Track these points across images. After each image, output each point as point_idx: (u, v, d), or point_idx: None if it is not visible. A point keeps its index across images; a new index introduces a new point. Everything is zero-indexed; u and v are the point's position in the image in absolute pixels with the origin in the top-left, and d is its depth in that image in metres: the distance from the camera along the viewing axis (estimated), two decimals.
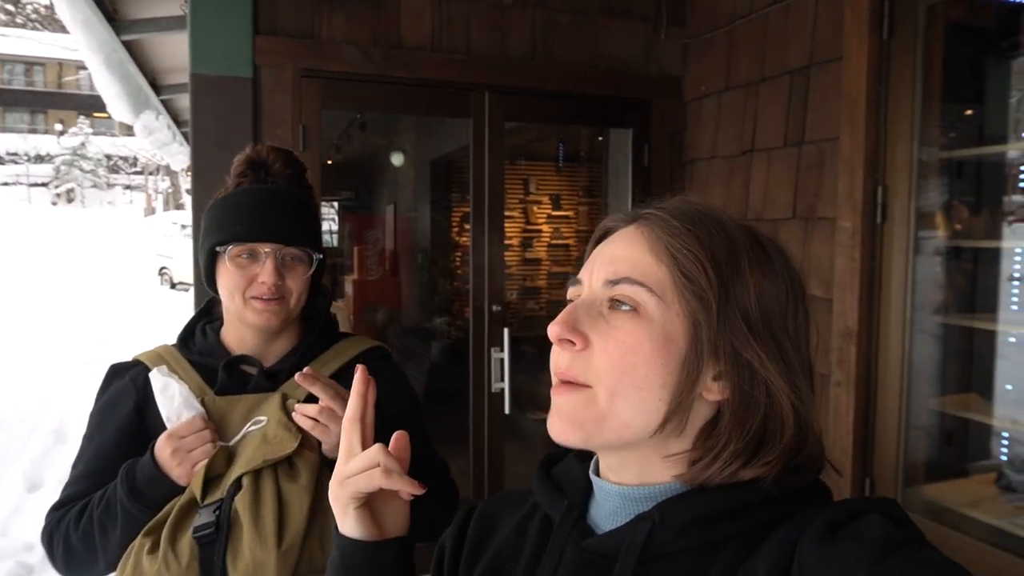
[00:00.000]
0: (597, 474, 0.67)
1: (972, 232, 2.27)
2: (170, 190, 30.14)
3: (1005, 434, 2.22)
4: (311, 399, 1.11)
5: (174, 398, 1.09)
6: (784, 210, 2.45)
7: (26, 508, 3.64)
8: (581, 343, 0.61)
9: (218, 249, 1.15)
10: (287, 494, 1.06)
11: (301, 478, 1.07)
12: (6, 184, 30.39)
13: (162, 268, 14.95)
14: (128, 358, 1.25)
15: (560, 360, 0.62)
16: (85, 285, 13.94)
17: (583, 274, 0.66)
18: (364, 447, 0.74)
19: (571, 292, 0.67)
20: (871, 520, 0.54)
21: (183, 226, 15.59)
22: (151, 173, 30.49)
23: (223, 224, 1.15)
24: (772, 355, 0.60)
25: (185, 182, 29.26)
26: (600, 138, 5.08)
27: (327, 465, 1.09)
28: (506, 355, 2.74)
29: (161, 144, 6.63)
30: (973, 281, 2.22)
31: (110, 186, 32.45)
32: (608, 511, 0.65)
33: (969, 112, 2.45)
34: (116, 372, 1.23)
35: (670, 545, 0.59)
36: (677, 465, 0.62)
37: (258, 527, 1.02)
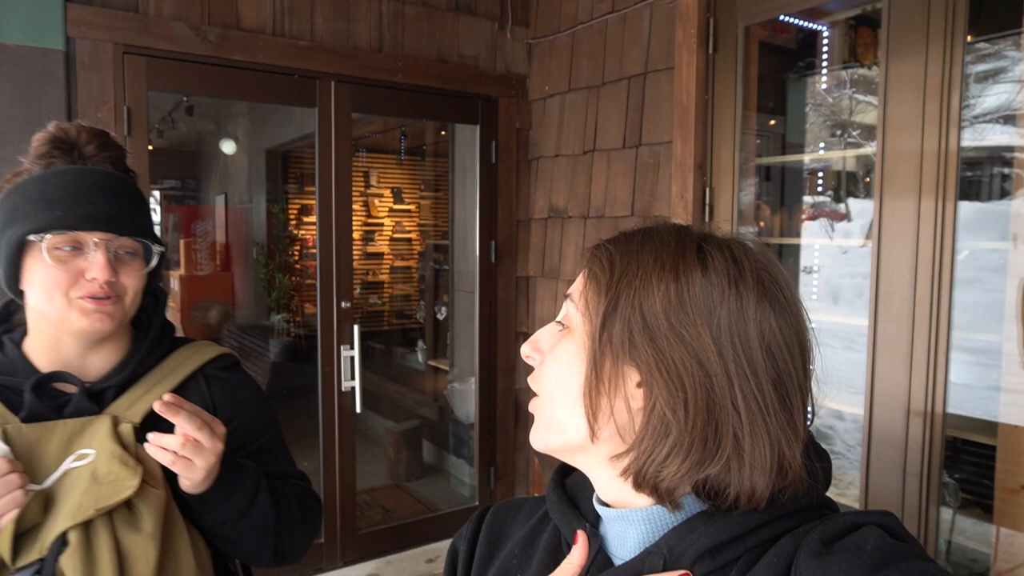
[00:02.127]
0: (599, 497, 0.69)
1: (777, 229, 2.55)
2: None
3: (810, 409, 2.52)
4: (150, 422, 0.96)
5: None
6: (623, 208, 2.60)
7: None
8: (540, 357, 0.68)
9: (31, 239, 0.94)
10: (128, 547, 0.89)
11: (145, 524, 0.91)
12: None
13: None
14: None
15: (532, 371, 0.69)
16: None
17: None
18: None
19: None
20: (868, 533, 0.54)
21: None
22: None
23: (35, 210, 0.94)
24: (677, 360, 0.58)
25: None
26: (443, 132, 5.10)
27: (182, 501, 0.97)
28: (356, 353, 2.68)
29: None
30: (793, 274, 2.49)
31: None
32: (614, 533, 0.66)
33: (774, 122, 2.75)
34: None
35: None
36: (618, 470, 0.63)
37: None
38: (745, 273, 0.61)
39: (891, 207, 1.84)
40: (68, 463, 0.92)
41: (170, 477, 0.96)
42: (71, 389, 0.99)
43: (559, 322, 0.67)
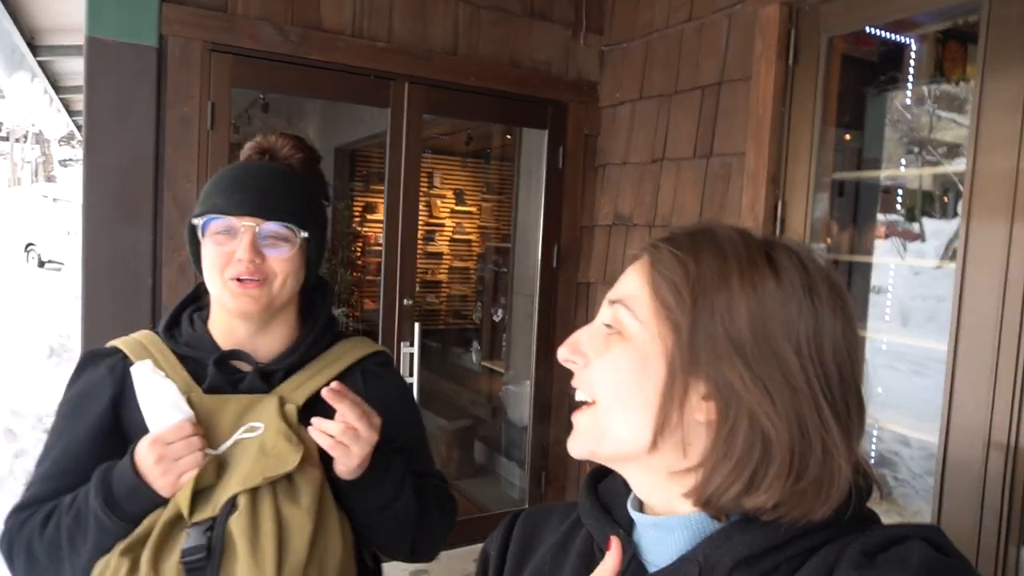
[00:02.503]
0: (638, 505, 0.68)
1: (847, 246, 2.47)
2: (40, 160, 27.72)
3: (875, 433, 2.43)
4: (311, 405, 1.03)
5: (160, 398, 0.96)
6: (691, 218, 2.57)
7: None
8: (583, 361, 0.65)
9: (195, 222, 1.04)
10: (288, 517, 0.96)
11: (303, 499, 0.97)
12: None
13: (28, 244, 13.74)
14: (106, 344, 1.10)
15: (575, 375, 0.66)
16: None
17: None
18: None
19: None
20: (912, 546, 0.52)
21: (55, 199, 14.39)
22: (18, 140, 27.94)
23: (205, 198, 1.05)
24: (764, 376, 0.57)
25: (59, 152, 27.02)
26: (508, 136, 5.13)
27: (334, 484, 1.03)
28: (416, 350, 2.72)
29: (35, 110, 6.11)
30: (863, 294, 2.41)
31: None
32: (648, 539, 0.65)
33: (849, 137, 2.67)
34: (90, 359, 1.09)
35: None
36: (683, 487, 0.61)
37: (255, 555, 0.92)
38: (816, 281, 0.60)
39: (979, 228, 1.76)
40: (240, 433, 0.99)
41: (325, 461, 1.01)
42: (245, 367, 1.07)
43: (607, 325, 0.64)
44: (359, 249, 6.35)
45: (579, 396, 0.66)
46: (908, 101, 2.84)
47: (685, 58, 2.62)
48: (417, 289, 2.79)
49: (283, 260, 1.04)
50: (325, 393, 0.97)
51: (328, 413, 0.98)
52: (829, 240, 2.42)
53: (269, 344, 1.09)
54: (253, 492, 0.95)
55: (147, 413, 0.97)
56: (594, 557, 0.69)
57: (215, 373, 1.04)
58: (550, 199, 3.04)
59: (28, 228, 13.95)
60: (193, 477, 0.94)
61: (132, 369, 1.00)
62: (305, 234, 1.05)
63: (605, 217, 3.00)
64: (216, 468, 0.97)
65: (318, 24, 2.52)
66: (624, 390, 0.62)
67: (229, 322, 1.08)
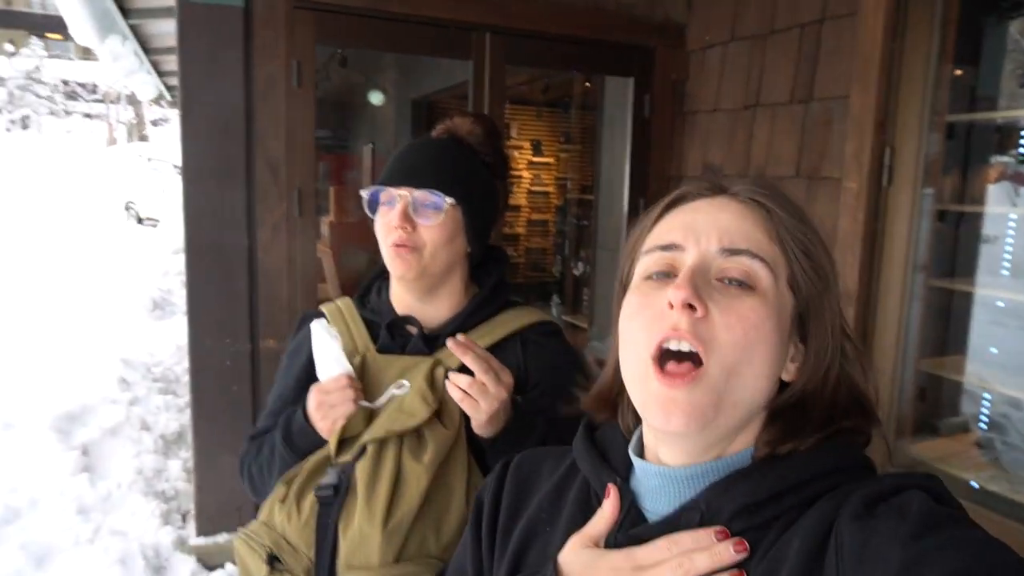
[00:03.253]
0: (637, 451, 0.67)
1: (975, 196, 2.29)
2: (134, 120, 29.01)
3: (985, 396, 2.29)
4: (467, 368, 1.07)
5: (327, 353, 1.09)
6: (787, 168, 2.44)
7: (2, 448, 3.58)
8: (702, 311, 0.58)
9: (362, 195, 1.13)
10: (406, 471, 1.02)
11: (425, 456, 1.03)
12: None
13: (128, 203, 14.49)
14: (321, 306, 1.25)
15: (682, 322, 0.57)
16: (48, 217, 13.49)
17: (681, 237, 0.62)
18: None
19: (663, 259, 0.62)
20: (911, 496, 0.52)
21: (149, 159, 15.06)
22: (112, 102, 29.28)
23: (381, 174, 1.14)
24: (848, 338, 0.63)
25: (150, 113, 28.18)
26: (588, 84, 4.98)
27: (472, 441, 1.07)
28: None
29: (127, 72, 6.32)
30: (974, 245, 2.24)
31: (68, 114, 31.09)
32: (649, 488, 0.64)
33: (960, 72, 2.45)
34: (303, 319, 1.23)
35: None
36: (750, 440, 0.62)
37: (370, 499, 0.99)
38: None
39: None
40: (391, 390, 1.08)
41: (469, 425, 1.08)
42: (414, 331, 1.16)
43: (736, 280, 0.59)
44: None
45: (678, 346, 0.58)
46: None
47: None
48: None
49: (432, 228, 1.09)
50: (449, 343, 1.04)
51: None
52: (963, 190, 2.25)
53: (436, 311, 1.16)
54: (381, 442, 1.03)
55: (317, 365, 1.10)
56: (591, 504, 0.67)
57: (386, 335, 1.14)
58: (636, 149, 2.94)
59: (126, 187, 14.70)
60: (342, 424, 1.05)
61: (311, 326, 1.11)
62: (451, 200, 1.08)
63: (694, 167, 2.89)
64: (366, 419, 1.06)
65: None
66: (756, 350, 0.58)
67: (399, 289, 1.16)
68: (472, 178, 1.13)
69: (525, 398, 1.11)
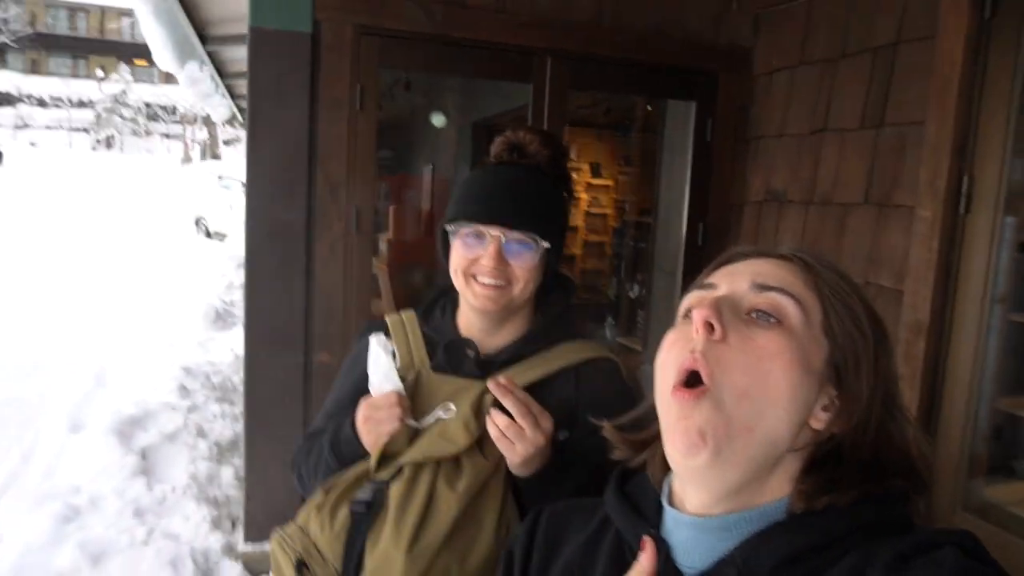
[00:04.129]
0: (669, 499, 0.66)
1: None
2: (208, 140, 30.32)
3: None
4: (527, 392, 1.06)
5: (379, 368, 1.10)
6: (856, 195, 2.35)
7: (70, 449, 3.71)
8: (720, 333, 0.59)
9: (448, 228, 1.12)
10: (439, 497, 1.00)
11: (460, 484, 1.01)
12: (49, 128, 30.79)
13: (199, 217, 15.09)
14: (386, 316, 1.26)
15: (698, 343, 0.59)
16: (124, 230, 14.15)
17: (718, 279, 0.65)
18: None
19: (698, 296, 0.64)
20: (946, 553, 0.51)
21: (220, 177, 15.68)
22: (189, 123, 30.67)
23: (458, 201, 1.12)
24: (894, 391, 0.62)
25: (223, 133, 29.38)
26: (649, 107, 4.94)
27: (510, 479, 1.05)
28: None
29: (203, 95, 6.61)
30: None
31: (148, 134, 32.71)
32: (682, 539, 0.63)
33: None
34: (367, 329, 1.23)
35: None
36: (782, 489, 0.61)
37: (399, 522, 0.99)
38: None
39: None
40: (437, 412, 1.07)
41: None
42: (471, 354, 1.15)
43: (763, 312, 0.60)
44: None
45: (696, 366, 0.58)
46: None
47: (855, 18, 2.38)
48: None
49: (525, 268, 1.09)
50: (490, 384, 1.02)
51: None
52: (1017, 216, 2.12)
53: (500, 337, 1.16)
54: (418, 465, 1.02)
55: (371, 379, 1.11)
56: (624, 557, 0.66)
57: (443, 355, 1.14)
58: (697, 173, 2.89)
59: (198, 202, 15.32)
60: (386, 440, 1.04)
61: (370, 339, 1.13)
62: (547, 244, 1.10)
63: (756, 193, 2.82)
64: (411, 437, 1.06)
65: (462, 1, 2.51)
66: (771, 378, 0.57)
67: (469, 313, 1.16)
68: (558, 214, 1.14)
69: (572, 436, 1.08)
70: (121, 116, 31.27)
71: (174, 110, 32.11)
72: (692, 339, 0.60)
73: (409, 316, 1.22)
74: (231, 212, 13.58)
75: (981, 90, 1.98)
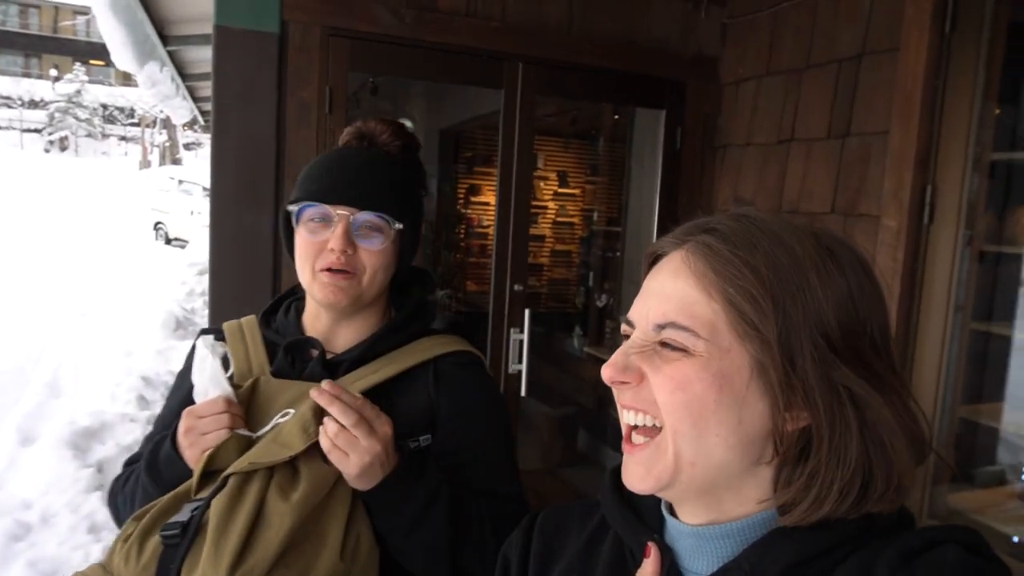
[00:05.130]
0: (670, 509, 0.66)
1: (1015, 237, 2.21)
2: (167, 144, 29.70)
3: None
4: (374, 395, 0.97)
5: (206, 373, 0.98)
6: (822, 204, 2.38)
7: (20, 462, 3.57)
8: (635, 380, 0.59)
9: (290, 208, 1.03)
10: (269, 510, 0.88)
11: (295, 494, 0.89)
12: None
13: (157, 223, 14.75)
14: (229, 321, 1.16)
15: (624, 396, 0.61)
16: (78, 235, 13.75)
17: (634, 312, 0.63)
18: None
19: (624, 330, 0.65)
20: (949, 550, 0.51)
21: (180, 181, 15.36)
22: (148, 126, 30.02)
23: (300, 184, 1.03)
24: (859, 371, 0.55)
25: (184, 137, 28.83)
26: (616, 116, 4.98)
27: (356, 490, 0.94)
28: (525, 336, 2.68)
29: (163, 97, 6.47)
30: (1014, 287, 2.16)
31: (105, 136, 31.91)
32: (685, 547, 0.62)
33: (1002, 112, 2.39)
34: (198, 338, 1.11)
35: None
36: (764, 500, 0.59)
37: (219, 541, 0.85)
38: (869, 270, 0.59)
39: None
40: (276, 419, 0.96)
41: None
42: (315, 355, 1.04)
43: (671, 343, 0.58)
44: (463, 231, 6.40)
45: (631, 420, 0.60)
46: None
47: (820, 29, 2.42)
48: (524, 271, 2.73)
49: (375, 252, 1.01)
50: (312, 392, 0.92)
51: (391, 416, 0.95)
52: (1005, 230, 2.18)
53: (349, 334, 1.06)
54: (247, 476, 0.90)
55: (195, 386, 0.99)
56: (625, 563, 0.66)
57: (283, 359, 1.04)
58: (666, 182, 2.90)
59: (156, 207, 14.98)
60: (211, 452, 0.92)
61: (196, 343, 1.01)
62: (400, 225, 1.02)
63: (724, 202, 2.85)
64: (242, 449, 0.94)
65: (432, 5, 2.49)
66: (692, 409, 0.56)
67: (316, 310, 1.07)
68: (411, 198, 1.07)
69: (435, 440, 1.00)
70: (76, 117, 30.45)
71: (132, 112, 31.39)
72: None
73: (249, 321, 1.12)
74: (192, 217, 13.31)
75: (943, 103, 2.03)
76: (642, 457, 0.59)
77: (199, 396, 0.98)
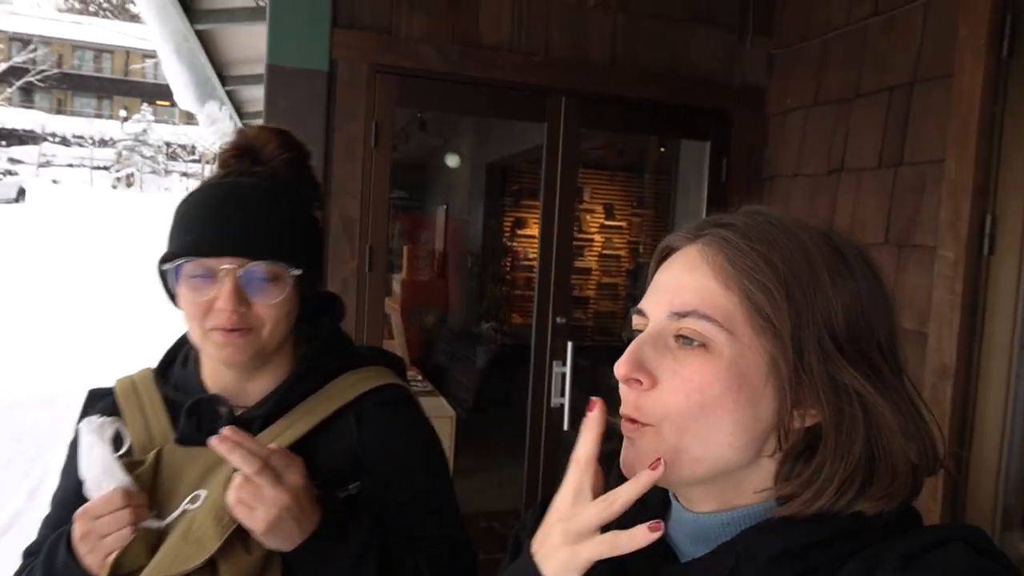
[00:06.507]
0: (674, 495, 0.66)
1: None
2: None
3: None
4: (299, 449, 0.87)
5: (95, 462, 0.84)
6: (875, 235, 2.31)
7: None
8: (648, 382, 0.58)
9: (165, 267, 0.89)
10: None
11: None
12: (71, 165, 31.46)
13: None
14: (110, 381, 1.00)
15: (627, 399, 0.60)
16: (142, 266, 14.29)
17: (646, 303, 0.63)
18: (595, 496, 0.60)
19: (636, 322, 0.64)
20: (954, 550, 0.50)
21: None
22: (208, 162, 31.24)
23: (174, 234, 0.89)
24: (864, 372, 0.55)
25: None
26: (663, 148, 4.96)
27: (279, 562, 0.84)
28: (568, 369, 2.65)
29: (222, 134, 6.73)
30: None
31: (168, 172, 33.34)
32: (686, 533, 0.62)
33: None
34: (90, 401, 0.98)
35: None
36: (764, 490, 0.59)
37: None
38: (878, 273, 0.59)
39: None
40: (184, 504, 0.84)
41: None
42: (224, 413, 0.92)
43: (689, 335, 0.57)
44: (508, 264, 6.43)
45: (634, 417, 0.60)
46: None
47: (869, 57, 2.37)
48: (568, 304, 2.72)
49: (274, 306, 0.88)
50: (211, 441, 0.80)
51: (314, 467, 0.85)
52: None
53: (258, 385, 0.94)
54: None
55: (85, 480, 0.85)
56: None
57: (186, 422, 0.90)
58: (712, 213, 2.86)
59: None
60: (112, 560, 0.80)
61: (79, 427, 0.87)
62: (297, 271, 0.90)
63: None
64: (149, 547, 0.81)
65: (476, 40, 2.53)
66: (707, 411, 0.56)
67: (215, 366, 0.93)
68: (309, 233, 0.94)
69: (363, 488, 0.92)
70: (141, 155, 31.92)
71: (193, 149, 32.76)
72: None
73: (144, 377, 0.97)
74: None
75: (1001, 129, 1.95)
76: (639, 450, 0.59)
77: (92, 491, 0.84)
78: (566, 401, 2.65)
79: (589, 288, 6.39)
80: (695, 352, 0.57)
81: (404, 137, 5.86)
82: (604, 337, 6.01)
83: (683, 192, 3.35)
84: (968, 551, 0.50)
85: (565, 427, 2.68)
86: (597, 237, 6.47)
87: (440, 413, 3.07)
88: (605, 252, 6.49)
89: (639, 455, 0.59)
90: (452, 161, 6.47)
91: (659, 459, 0.56)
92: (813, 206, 2.58)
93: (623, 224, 6.51)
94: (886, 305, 0.59)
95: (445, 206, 6.52)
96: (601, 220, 6.48)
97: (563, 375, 2.64)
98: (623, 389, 0.61)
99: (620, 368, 0.59)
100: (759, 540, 0.56)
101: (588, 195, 6.41)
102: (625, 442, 0.61)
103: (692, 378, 0.56)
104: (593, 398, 0.61)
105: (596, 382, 5.34)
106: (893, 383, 0.57)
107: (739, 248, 0.58)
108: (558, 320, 2.66)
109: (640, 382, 0.58)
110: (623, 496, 0.56)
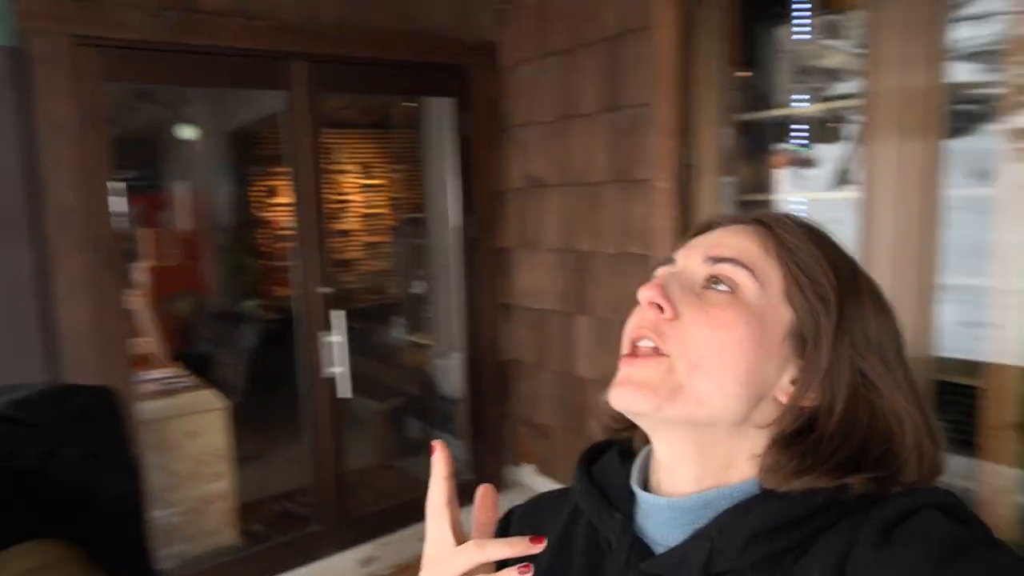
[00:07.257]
0: (642, 484, 0.65)
1: (768, 184, 2.53)
2: None
3: None
4: None
5: None
6: (604, 174, 2.58)
7: None
8: (671, 313, 0.58)
9: None
10: None
11: None
12: None
13: None
14: None
15: (646, 318, 0.59)
16: None
17: (679, 253, 0.64)
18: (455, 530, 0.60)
19: (660, 272, 0.64)
20: (929, 517, 0.50)
21: None
22: None
23: None
24: (882, 365, 0.59)
25: None
26: (409, 104, 4.99)
27: None
28: (339, 338, 2.64)
29: None
30: None
31: None
32: (658, 521, 0.62)
33: (750, 75, 2.72)
34: None
35: (733, 561, 0.55)
36: (751, 467, 0.59)
37: None
38: (894, 314, 0.63)
39: (881, 150, 1.83)
40: None
41: None
42: None
43: (716, 279, 0.59)
44: (264, 235, 6.11)
45: (644, 344, 0.59)
46: (797, 34, 2.91)
47: (584, 11, 2.59)
48: (330, 270, 2.68)
49: None
50: None
51: None
52: (752, 179, 2.46)
53: None
54: None
55: None
56: (600, 548, 0.65)
57: None
58: (462, 167, 2.98)
59: None
60: None
61: None
62: None
63: (517, 180, 2.98)
64: None
65: (195, 6, 2.34)
66: (726, 350, 0.57)
67: None
68: None
69: None
70: None
71: None
72: (640, 312, 0.60)
73: None
74: None
75: (693, 74, 2.26)
76: (643, 375, 0.58)
77: None
78: (340, 370, 2.64)
79: (354, 249, 6.31)
80: (722, 295, 0.58)
81: (126, 111, 5.23)
82: (377, 296, 6.00)
83: (435, 146, 3.44)
84: (942, 518, 0.50)
85: (344, 394, 2.66)
86: (357, 197, 6.37)
87: (208, 407, 2.87)
88: (368, 212, 6.43)
89: (643, 382, 0.58)
90: (186, 132, 5.92)
91: (528, 565, 0.55)
92: (551, 151, 2.80)
93: (383, 182, 6.48)
94: (898, 332, 0.62)
95: (187, 182, 5.99)
96: (360, 180, 6.38)
97: (334, 344, 2.63)
98: (636, 314, 0.61)
99: (645, 291, 0.58)
100: (735, 521, 0.56)
101: (343, 155, 6.26)
102: (623, 372, 0.59)
103: (720, 316, 0.57)
104: (434, 442, 0.61)
105: (372, 342, 5.36)
106: (903, 382, 0.59)
107: (788, 227, 0.61)
108: (319, 290, 2.62)
109: (662, 309, 0.58)
110: (493, 551, 0.55)
